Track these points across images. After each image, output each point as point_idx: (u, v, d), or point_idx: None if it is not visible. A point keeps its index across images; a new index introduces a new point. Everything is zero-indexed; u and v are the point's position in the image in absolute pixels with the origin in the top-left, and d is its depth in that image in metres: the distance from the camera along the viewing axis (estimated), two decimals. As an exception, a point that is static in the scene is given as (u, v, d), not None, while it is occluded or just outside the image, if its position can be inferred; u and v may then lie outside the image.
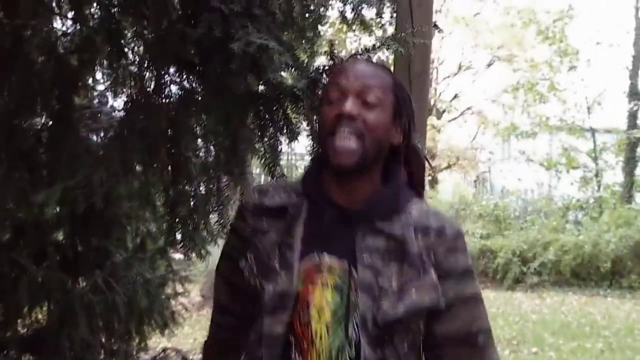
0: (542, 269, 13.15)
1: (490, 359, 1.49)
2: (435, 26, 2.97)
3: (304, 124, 2.70)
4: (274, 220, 1.50)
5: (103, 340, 3.78)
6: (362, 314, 1.38)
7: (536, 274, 13.17)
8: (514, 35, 22.40)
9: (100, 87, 3.45)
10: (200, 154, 3.16)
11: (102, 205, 2.73)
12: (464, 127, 25.68)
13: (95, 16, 2.96)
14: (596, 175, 18.32)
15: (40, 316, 3.74)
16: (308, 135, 2.64)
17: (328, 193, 1.48)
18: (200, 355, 1.80)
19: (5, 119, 2.97)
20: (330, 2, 2.96)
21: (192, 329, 7.81)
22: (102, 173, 2.62)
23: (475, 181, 27.36)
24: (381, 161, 1.50)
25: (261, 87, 2.74)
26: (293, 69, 2.59)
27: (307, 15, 2.88)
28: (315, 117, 2.59)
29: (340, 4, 2.90)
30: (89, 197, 2.68)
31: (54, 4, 3.04)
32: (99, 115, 3.36)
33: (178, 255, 3.91)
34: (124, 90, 3.16)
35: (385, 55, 3.09)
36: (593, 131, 19.20)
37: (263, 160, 2.85)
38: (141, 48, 3.07)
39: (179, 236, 3.17)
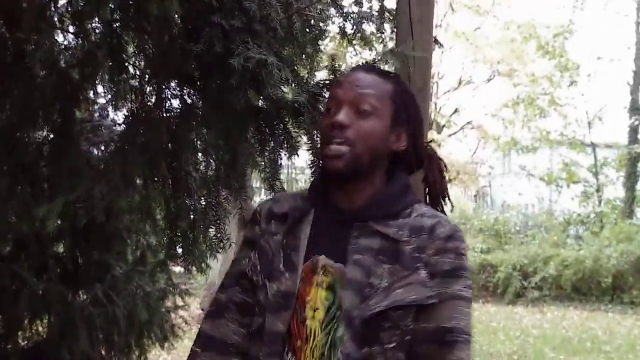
0: (543, 283, 13.14)
1: (457, 358, 1.42)
2: (436, 41, 2.97)
3: (304, 138, 2.71)
4: (282, 224, 1.57)
5: (103, 353, 3.78)
6: (347, 311, 1.41)
7: (537, 288, 13.16)
8: (514, 50, 22.38)
9: (102, 101, 3.48)
10: (201, 168, 3.17)
11: (103, 219, 2.73)
12: (464, 142, 25.67)
13: (97, 31, 2.98)
14: (597, 190, 18.28)
15: (40, 329, 3.76)
16: (308, 150, 2.66)
17: (332, 198, 1.55)
18: None
19: (7, 132, 2.98)
20: (330, 17, 2.98)
21: (192, 342, 7.76)
22: (102, 186, 2.63)
23: (475, 196, 27.25)
24: (382, 166, 1.55)
25: (261, 102, 2.76)
26: (293, 84, 2.61)
27: (307, 30, 2.91)
28: (316, 130, 2.61)
29: (341, 20, 2.92)
30: (90, 211, 2.69)
31: (56, 19, 3.05)
32: (100, 128, 3.38)
33: (178, 269, 3.92)
34: (125, 104, 3.18)
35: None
36: (594, 146, 19.19)
37: (263, 174, 2.88)
38: (142, 63, 3.10)
39: (179, 249, 3.18)
